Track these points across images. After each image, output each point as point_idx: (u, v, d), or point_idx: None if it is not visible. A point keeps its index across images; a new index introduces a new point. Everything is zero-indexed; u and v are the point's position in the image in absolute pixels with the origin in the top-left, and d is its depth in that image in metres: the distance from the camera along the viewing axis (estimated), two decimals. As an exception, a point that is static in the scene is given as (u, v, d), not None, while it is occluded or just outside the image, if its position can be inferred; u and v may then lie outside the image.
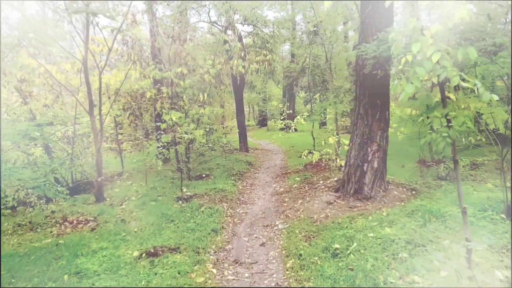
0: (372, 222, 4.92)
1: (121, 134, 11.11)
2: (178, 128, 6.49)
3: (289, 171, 9.71)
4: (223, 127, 9.77)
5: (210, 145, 9.47)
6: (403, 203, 5.64)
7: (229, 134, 15.26)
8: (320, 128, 23.85)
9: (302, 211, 6.09)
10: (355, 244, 4.34)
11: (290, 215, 6.04)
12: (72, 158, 9.21)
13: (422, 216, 4.75)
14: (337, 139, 7.71)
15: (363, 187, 6.11)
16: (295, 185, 7.71)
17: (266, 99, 27.35)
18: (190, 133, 6.57)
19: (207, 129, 9.45)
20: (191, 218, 5.87)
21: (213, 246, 4.95)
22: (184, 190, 7.69)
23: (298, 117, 22.92)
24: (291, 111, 22.38)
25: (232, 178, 8.97)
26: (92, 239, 5.40)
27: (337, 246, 4.39)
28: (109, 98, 9.85)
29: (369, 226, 4.82)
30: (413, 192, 6.25)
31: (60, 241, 5.43)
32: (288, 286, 3.87)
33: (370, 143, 6.09)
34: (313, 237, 4.97)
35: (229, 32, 13.07)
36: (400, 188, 6.47)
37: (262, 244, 5.07)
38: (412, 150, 11.48)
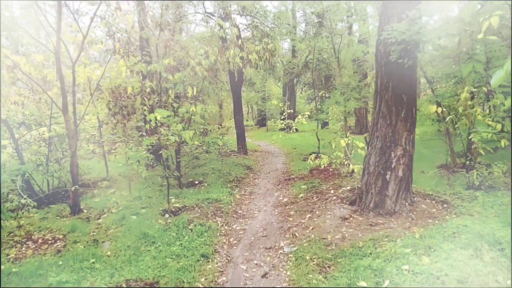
0: (404, 248, 3.88)
1: (116, 135, 9.94)
2: (162, 129, 5.45)
3: (292, 176, 8.67)
4: (218, 128, 8.74)
5: (204, 147, 8.43)
6: (436, 221, 4.60)
7: (226, 135, 14.23)
8: (321, 128, 22.78)
9: (312, 228, 5.05)
10: (387, 282, 3.30)
11: (297, 234, 4.99)
12: (48, 163, 8.17)
13: (470, 242, 3.72)
14: (348, 141, 6.69)
15: (385, 200, 5.07)
16: (301, 195, 6.67)
17: (265, 98, 26.26)
18: (178, 135, 5.53)
19: (200, 130, 8.42)
20: (177, 239, 4.81)
21: (202, 279, 3.91)
22: (173, 200, 6.64)
23: (300, 116, 21.95)
24: (291, 111, 21.36)
25: (229, 185, 7.92)
26: (53, 266, 4.34)
27: (363, 284, 3.36)
28: (91, 94, 8.78)
29: (400, 253, 3.78)
30: (444, 205, 5.22)
31: (14, 269, 4.37)
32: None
33: (394, 147, 5.05)
34: (329, 267, 3.93)
35: (227, 24, 12.05)
36: (428, 200, 5.44)
37: (264, 275, 4.03)
38: (426, 152, 10.47)
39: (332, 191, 6.40)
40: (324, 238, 4.65)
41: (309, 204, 6.09)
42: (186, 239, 4.83)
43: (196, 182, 8.11)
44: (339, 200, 5.90)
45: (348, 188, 6.41)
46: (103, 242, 5.03)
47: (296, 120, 21.30)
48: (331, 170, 8.11)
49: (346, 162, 6.94)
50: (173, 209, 6.16)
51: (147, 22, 9.39)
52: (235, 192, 7.50)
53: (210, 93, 12.27)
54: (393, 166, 5.05)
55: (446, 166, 7.47)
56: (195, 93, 6.20)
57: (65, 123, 6.84)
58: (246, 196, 7.24)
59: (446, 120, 6.15)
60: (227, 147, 12.31)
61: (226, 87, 14.65)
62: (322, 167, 6.88)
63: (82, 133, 8.77)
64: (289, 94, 22.27)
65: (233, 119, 15.09)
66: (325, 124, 22.56)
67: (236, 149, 12.99)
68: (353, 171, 7.13)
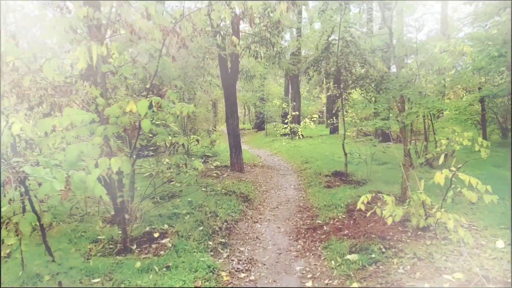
0: None
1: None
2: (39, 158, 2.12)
3: (319, 221, 5.31)
4: (198, 141, 5.41)
5: (171, 173, 5.11)
6: None
7: (218, 145, 10.89)
8: (330, 134, 19.48)
9: None
10: None
11: None
12: None
13: None
14: (452, 173, 3.36)
15: None
16: (355, 285, 3.30)
17: (264, 98, 22.84)
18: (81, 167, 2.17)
19: (165, 144, 5.14)
20: None
21: None
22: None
23: (307, 120, 18.65)
24: (297, 113, 18.04)
25: (211, 243, 4.55)
26: None
27: None
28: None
29: None
30: None
31: None
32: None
33: None
34: None
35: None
36: None
37: None
38: (502, 173, 7.24)
39: (425, 285, 3.03)
40: None
41: (383, 321, 2.73)
42: None
43: (156, 235, 4.72)
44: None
45: (459, 277, 3.05)
46: None
47: (302, 123, 18.00)
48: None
49: (438, 214, 3.62)
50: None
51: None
52: (221, 260, 4.12)
53: (196, 86, 8.88)
54: None
55: None
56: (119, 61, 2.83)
57: None
58: (242, 274, 3.86)
59: None
60: (216, 158, 8.99)
61: (217, 82, 11.31)
62: (390, 222, 3.58)
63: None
64: (293, 92, 18.95)
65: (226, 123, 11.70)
66: (334, 130, 19.27)
67: (229, 163, 9.64)
68: (438, 221, 3.79)
